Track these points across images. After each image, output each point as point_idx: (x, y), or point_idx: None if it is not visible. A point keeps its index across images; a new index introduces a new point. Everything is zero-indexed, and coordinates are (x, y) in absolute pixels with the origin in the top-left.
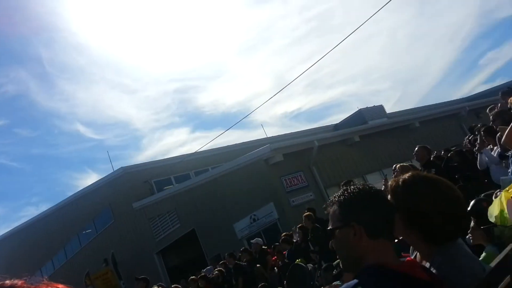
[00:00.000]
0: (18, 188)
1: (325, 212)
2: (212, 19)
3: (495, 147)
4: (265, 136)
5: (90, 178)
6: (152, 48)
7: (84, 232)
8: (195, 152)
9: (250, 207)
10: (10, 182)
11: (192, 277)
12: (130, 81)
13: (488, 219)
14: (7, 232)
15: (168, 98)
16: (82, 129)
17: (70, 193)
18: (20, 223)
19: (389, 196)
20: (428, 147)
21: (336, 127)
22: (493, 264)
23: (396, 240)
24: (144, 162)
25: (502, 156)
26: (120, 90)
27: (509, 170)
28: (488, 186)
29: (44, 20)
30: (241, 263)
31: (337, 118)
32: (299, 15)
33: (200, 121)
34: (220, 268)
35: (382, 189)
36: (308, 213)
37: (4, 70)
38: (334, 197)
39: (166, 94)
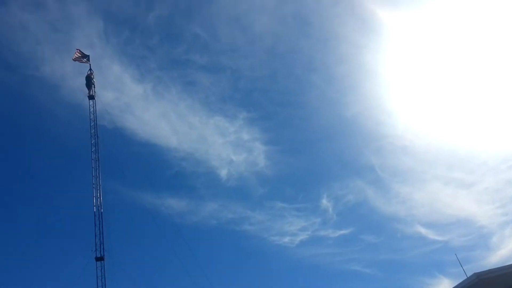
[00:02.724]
0: None
1: None
2: None
3: None
4: None
5: (442, 284)
6: (483, 133)
7: None
8: None
9: None
10: None
11: None
12: (464, 174)
13: None
14: None
15: None
16: (423, 231)
17: None
18: None
19: None
20: None
21: None
22: None
23: None
24: (499, 266)
25: None
26: (456, 185)
27: None
28: None
29: (372, 130)
30: None
31: None
32: None
33: None
34: None
35: None
36: None
37: (344, 181)
38: None
39: (509, 183)
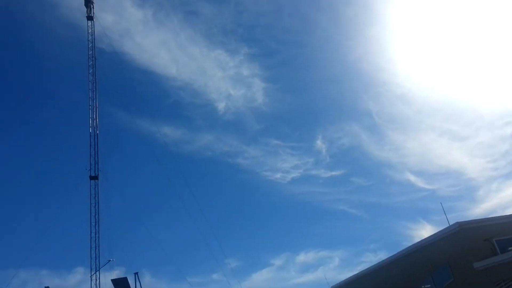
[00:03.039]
0: (358, 234)
1: None
2: None
3: None
4: None
5: (424, 230)
6: (483, 87)
7: (423, 287)
8: None
9: None
10: (350, 228)
11: None
12: (459, 127)
13: None
14: (350, 277)
15: (506, 144)
16: (413, 178)
17: (405, 243)
18: (362, 269)
19: None
20: None
21: None
22: None
23: None
24: (482, 217)
25: None
26: (450, 138)
27: None
28: None
29: (372, 76)
30: None
31: None
32: None
33: None
34: None
35: None
36: None
37: (340, 125)
38: None
39: (503, 139)
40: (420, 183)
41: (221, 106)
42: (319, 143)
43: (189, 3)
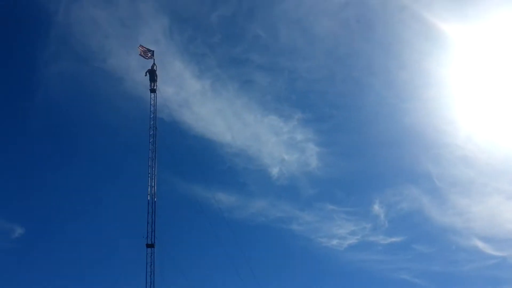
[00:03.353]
0: None
1: None
2: None
3: None
4: None
5: None
6: None
7: None
8: None
9: None
10: None
11: None
12: None
13: None
14: None
15: None
16: (480, 245)
17: None
18: None
19: None
20: None
21: None
22: None
23: None
24: None
25: None
26: None
27: None
28: None
29: (431, 138)
30: None
31: None
32: None
33: None
34: None
35: None
36: None
37: (398, 188)
38: None
39: None
40: (489, 249)
41: (274, 171)
42: (376, 208)
43: (245, 73)
